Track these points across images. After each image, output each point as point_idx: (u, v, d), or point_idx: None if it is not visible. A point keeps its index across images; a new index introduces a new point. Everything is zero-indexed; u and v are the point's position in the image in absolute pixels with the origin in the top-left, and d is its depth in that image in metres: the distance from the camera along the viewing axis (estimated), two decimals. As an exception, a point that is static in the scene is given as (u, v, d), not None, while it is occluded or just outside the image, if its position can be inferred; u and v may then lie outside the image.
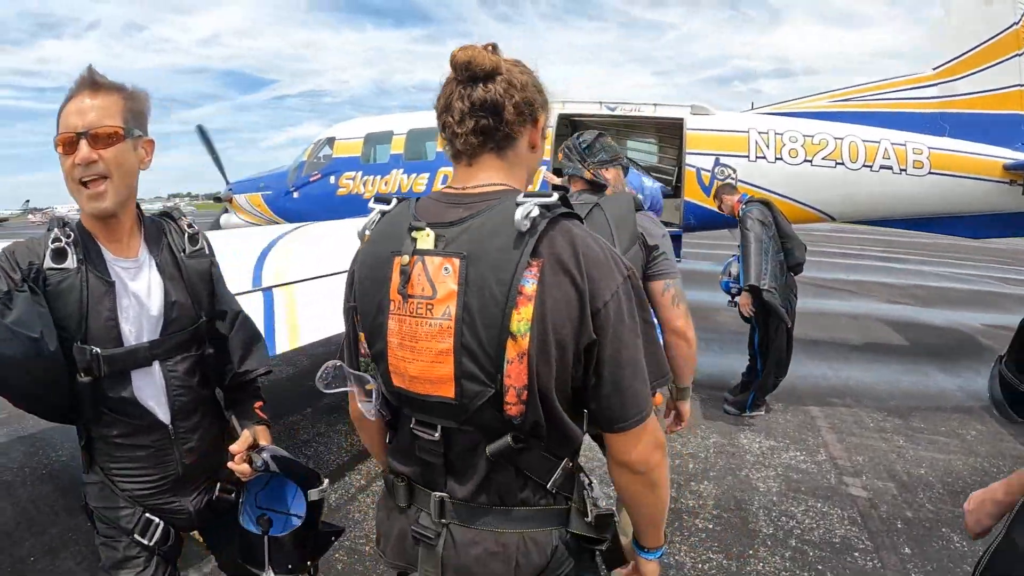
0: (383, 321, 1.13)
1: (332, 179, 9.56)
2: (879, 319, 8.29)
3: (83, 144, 1.36)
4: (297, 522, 1.61)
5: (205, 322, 1.62)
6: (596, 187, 2.32)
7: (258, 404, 1.71)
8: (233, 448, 1.55)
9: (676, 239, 6.67)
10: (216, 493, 1.65)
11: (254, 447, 1.57)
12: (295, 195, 10.37)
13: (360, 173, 9.19)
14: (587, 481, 1.20)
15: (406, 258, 1.10)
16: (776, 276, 4.34)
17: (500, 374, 1.04)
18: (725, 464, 3.93)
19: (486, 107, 1.10)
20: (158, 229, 1.59)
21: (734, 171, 5.97)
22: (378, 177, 8.83)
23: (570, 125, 7.62)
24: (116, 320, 1.46)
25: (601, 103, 6.80)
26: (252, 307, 3.35)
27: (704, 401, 5.04)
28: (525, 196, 1.07)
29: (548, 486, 1.13)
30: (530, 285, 1.02)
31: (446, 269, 1.06)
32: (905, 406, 4.99)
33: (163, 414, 1.54)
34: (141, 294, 1.50)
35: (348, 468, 3.98)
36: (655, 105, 6.63)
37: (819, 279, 11.38)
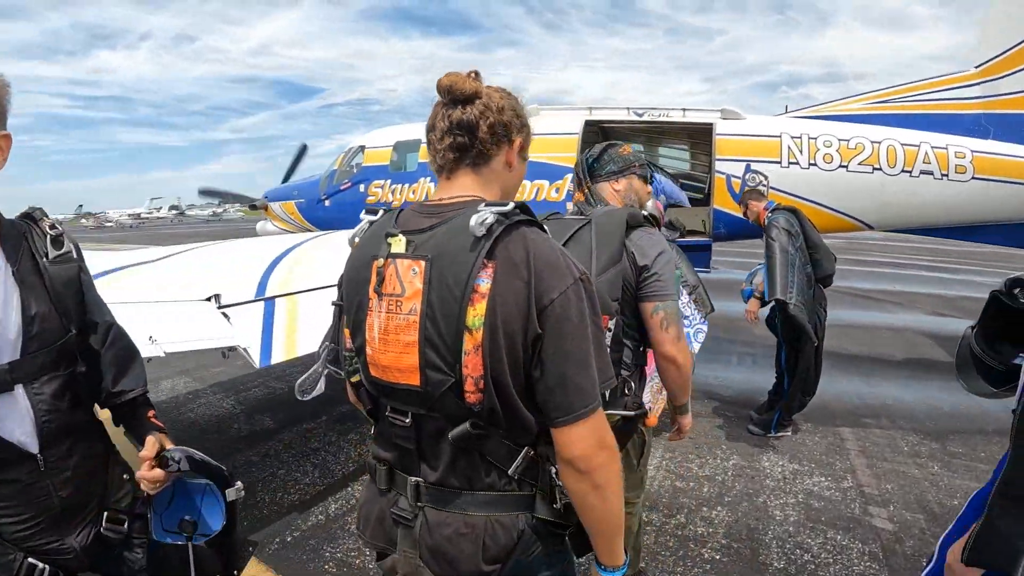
0: (363, 318, 1.27)
1: (362, 187, 9.63)
2: (923, 333, 7.82)
3: None
4: (218, 525, 1.55)
5: (75, 336, 1.45)
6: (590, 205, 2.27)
7: (151, 413, 1.59)
8: (142, 455, 1.45)
9: (705, 249, 6.45)
10: (103, 524, 1.51)
11: (163, 450, 1.48)
12: (326, 203, 10.50)
13: (388, 182, 9.23)
14: (555, 470, 1.24)
15: (381, 260, 1.24)
16: (803, 290, 4.11)
17: (459, 364, 1.14)
18: (742, 489, 3.73)
19: (462, 126, 1.24)
20: (18, 233, 1.41)
21: (765, 178, 5.72)
22: (406, 185, 8.83)
23: (600, 132, 7.49)
24: None
25: (629, 109, 6.65)
26: (251, 317, 3.37)
27: (729, 420, 4.82)
28: (486, 205, 1.17)
29: (510, 472, 1.21)
30: (484, 284, 1.13)
31: (414, 270, 1.19)
32: (944, 428, 4.66)
33: (31, 444, 1.37)
34: None
35: (352, 478, 3.95)
36: (684, 110, 6.44)
37: (862, 289, 10.89)
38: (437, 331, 1.16)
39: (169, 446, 1.51)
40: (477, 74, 1.28)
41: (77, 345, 1.45)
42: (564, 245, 1.91)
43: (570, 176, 6.70)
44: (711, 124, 6.17)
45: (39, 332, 1.37)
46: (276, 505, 3.65)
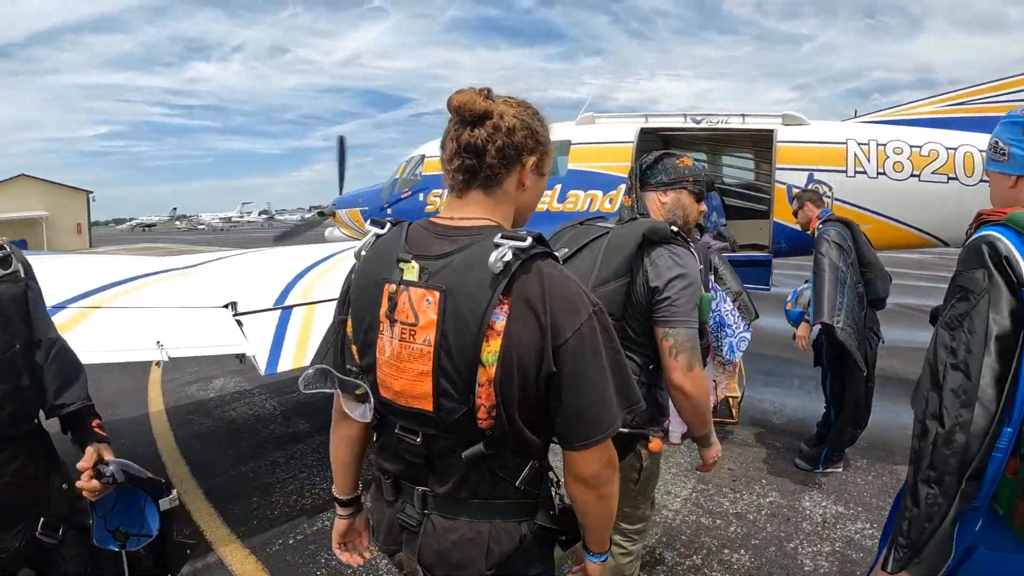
0: (373, 339, 1.28)
1: (421, 196, 9.78)
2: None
3: None
4: (152, 533, 1.64)
5: (20, 351, 1.55)
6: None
7: (96, 422, 1.70)
8: (80, 465, 1.56)
9: (765, 265, 6.06)
10: (39, 530, 1.61)
11: (100, 462, 1.59)
12: (388, 211, 10.75)
13: (446, 191, 9.33)
14: (554, 479, 1.35)
15: (393, 287, 1.25)
16: (853, 312, 3.72)
17: (472, 395, 1.19)
18: (774, 531, 3.42)
19: (470, 149, 1.24)
20: None
21: (830, 188, 5.31)
22: (463, 195, 8.91)
23: (660, 141, 7.25)
24: None
25: (686, 115, 6.40)
26: (264, 325, 3.44)
27: (776, 451, 4.48)
28: (503, 237, 1.19)
29: (517, 484, 1.27)
30: (500, 321, 1.16)
31: (428, 300, 1.21)
32: None
33: None
34: None
35: (367, 488, 3.96)
36: (743, 116, 6.11)
37: (916, 306, 9.97)
38: (452, 363, 1.18)
39: (108, 457, 1.62)
40: (489, 92, 1.27)
41: (22, 358, 1.55)
42: (575, 254, 2.01)
43: (623, 186, 6.51)
44: (771, 131, 5.80)
45: None
46: (288, 508, 3.74)
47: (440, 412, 1.22)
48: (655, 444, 2.15)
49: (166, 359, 2.89)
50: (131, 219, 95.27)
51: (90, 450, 1.60)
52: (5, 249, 1.57)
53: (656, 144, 7.51)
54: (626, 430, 1.93)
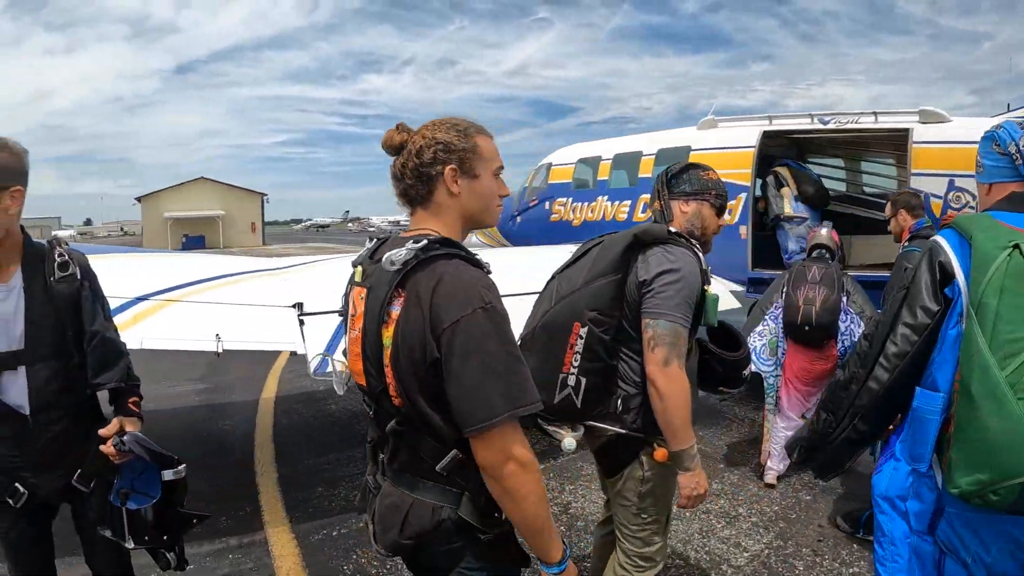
0: (346, 328, 1.60)
1: (547, 205, 9.87)
2: None
3: None
4: (149, 499, 1.93)
5: (71, 337, 1.93)
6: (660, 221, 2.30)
7: (132, 400, 2.04)
8: (101, 432, 1.90)
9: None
10: (75, 478, 1.97)
11: (121, 433, 1.90)
12: (518, 220, 10.98)
13: (570, 200, 9.31)
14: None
15: (349, 286, 1.59)
16: None
17: (383, 375, 1.42)
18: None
19: (395, 177, 1.52)
20: (40, 257, 1.94)
21: (973, 198, 4.53)
22: (585, 204, 8.81)
23: (791, 145, 6.69)
24: None
25: (812, 116, 5.81)
26: (325, 326, 3.71)
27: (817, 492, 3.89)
28: (414, 241, 1.40)
29: (438, 468, 1.42)
30: (396, 311, 1.39)
31: (361, 296, 1.49)
32: None
33: (25, 408, 1.90)
34: (8, 314, 1.87)
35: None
36: (875, 114, 5.40)
37: None
38: (370, 346, 1.44)
39: (129, 429, 1.93)
40: (404, 125, 1.54)
41: (72, 344, 1.93)
42: (576, 262, 2.20)
43: (744, 195, 6.09)
44: (907, 130, 5.06)
45: (38, 331, 1.89)
46: (345, 502, 4.01)
47: (369, 388, 1.48)
48: (660, 453, 2.09)
49: (220, 351, 3.28)
50: (307, 220, 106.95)
51: (115, 421, 1.93)
52: (65, 256, 1.95)
53: (785, 149, 6.91)
54: (619, 431, 2.07)
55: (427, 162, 1.46)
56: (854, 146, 6.78)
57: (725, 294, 5.63)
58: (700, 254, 2.11)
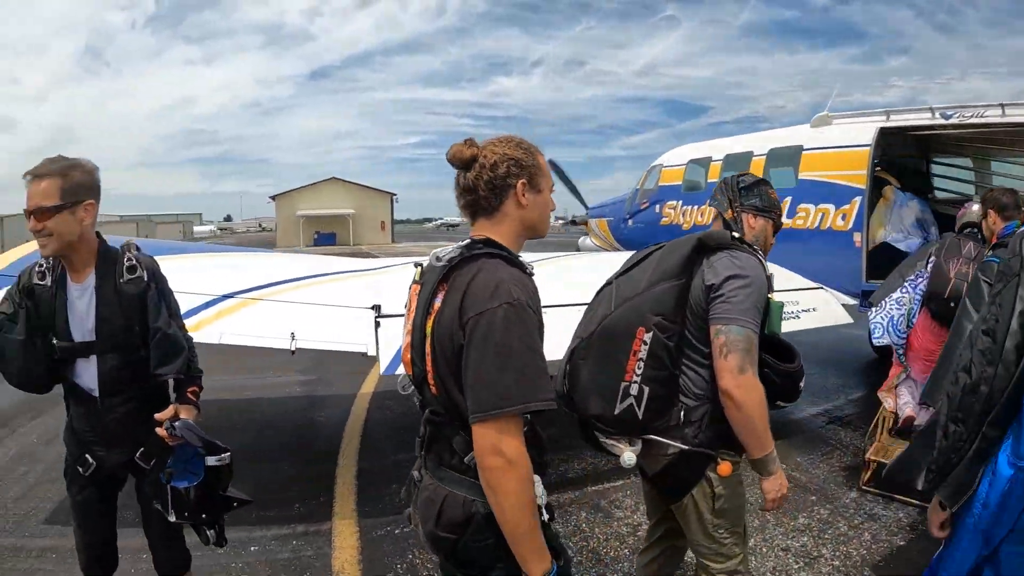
0: (405, 324, 1.73)
1: (657, 208, 9.67)
2: None
3: (32, 219, 2.08)
4: (194, 480, 2.17)
5: (138, 332, 2.21)
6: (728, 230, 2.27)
7: (191, 389, 2.29)
8: (157, 416, 2.15)
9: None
10: (137, 455, 2.26)
11: (174, 419, 2.14)
12: (629, 223, 10.82)
13: (680, 203, 9.06)
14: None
15: (411, 285, 1.74)
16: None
17: (424, 362, 1.56)
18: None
19: (467, 190, 1.63)
20: (112, 260, 2.23)
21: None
22: (695, 207, 8.54)
23: (911, 143, 6.07)
24: (67, 323, 2.18)
25: (933, 110, 5.22)
26: (399, 328, 3.89)
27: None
28: (460, 243, 1.59)
29: (466, 460, 1.51)
30: (438, 302, 1.54)
31: (416, 292, 1.66)
32: None
33: (95, 391, 2.21)
34: (83, 310, 2.19)
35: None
36: (1002, 106, 4.74)
37: None
38: (416, 335, 1.60)
39: (183, 416, 2.17)
40: (472, 141, 1.65)
41: (139, 338, 2.22)
42: (637, 265, 2.18)
43: (859, 199, 5.61)
44: None
45: (107, 326, 2.18)
46: (413, 501, 4.14)
47: (414, 376, 1.64)
48: (724, 467, 2.06)
49: (293, 349, 3.52)
50: (437, 219, 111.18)
51: (171, 408, 2.17)
52: (133, 260, 2.24)
53: (903, 147, 6.27)
54: (682, 447, 2.02)
55: (501, 175, 1.59)
56: (982, 143, 6.01)
57: (836, 308, 5.22)
58: (764, 261, 2.12)
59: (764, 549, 3.47)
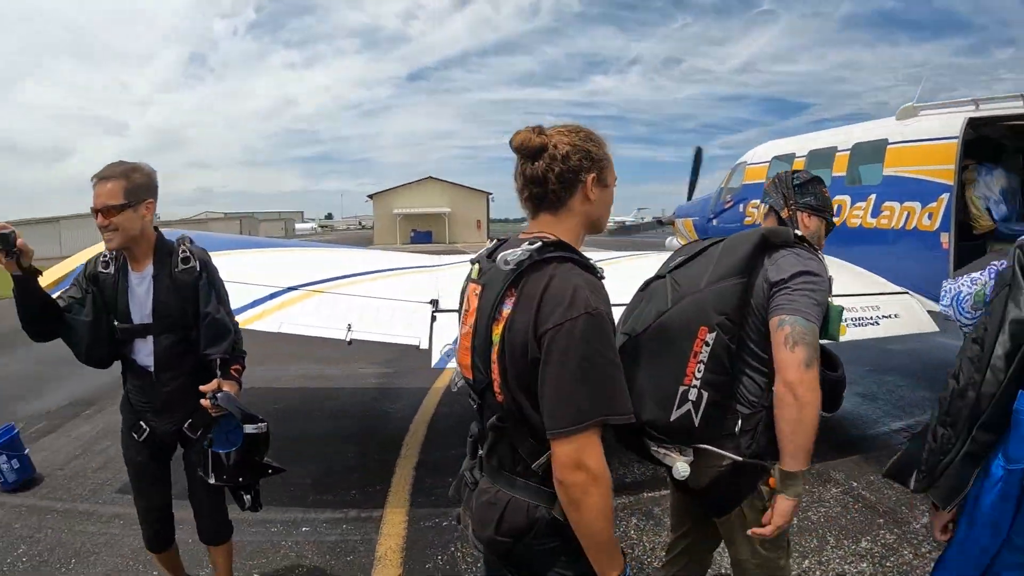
0: (461, 324, 1.68)
1: (741, 207, 9.31)
2: None
3: (99, 216, 2.34)
4: (230, 446, 2.42)
5: (190, 315, 2.47)
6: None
7: (235, 367, 2.54)
8: (201, 388, 2.37)
9: None
10: (185, 425, 2.56)
11: (218, 390, 2.37)
12: (714, 222, 10.48)
13: (762, 201, 8.64)
14: None
15: (466, 282, 1.69)
16: None
17: (489, 370, 1.49)
18: None
19: (535, 181, 1.54)
20: (168, 252, 2.50)
21: None
22: (779, 205, 8.13)
23: (1006, 133, 5.49)
24: (128, 307, 2.46)
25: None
26: (454, 323, 3.97)
27: None
28: (529, 243, 1.47)
29: (533, 467, 1.47)
30: (507, 309, 1.45)
31: (476, 292, 1.58)
32: None
33: (151, 366, 2.50)
34: (142, 295, 2.47)
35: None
36: None
37: None
38: (480, 341, 1.52)
39: (225, 388, 2.40)
40: (541, 128, 1.56)
41: (192, 319, 2.49)
42: (691, 260, 2.04)
43: (946, 196, 5.15)
44: None
45: (163, 309, 2.47)
46: (464, 495, 4.22)
47: (475, 382, 1.56)
48: (775, 480, 1.90)
49: (348, 341, 3.69)
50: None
51: (215, 381, 2.40)
52: (187, 252, 2.51)
53: (999, 139, 5.67)
54: (736, 458, 1.89)
55: (573, 168, 1.52)
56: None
57: (920, 314, 4.84)
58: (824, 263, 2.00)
59: (818, 572, 3.28)
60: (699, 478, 1.92)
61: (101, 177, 2.34)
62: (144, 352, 2.50)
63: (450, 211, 50.51)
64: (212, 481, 2.45)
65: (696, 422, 1.85)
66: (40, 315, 2.36)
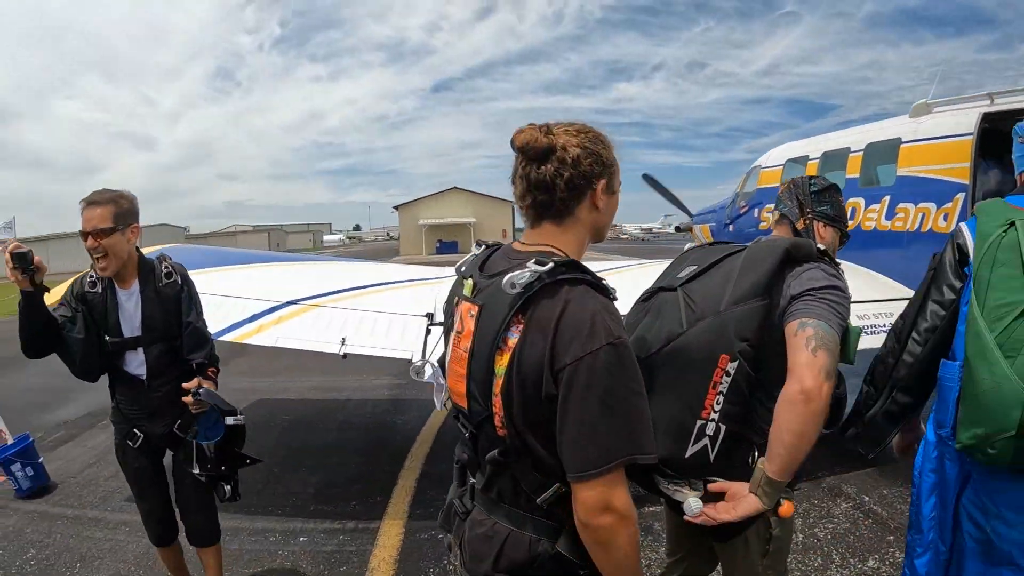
0: (449, 342, 1.52)
1: (756, 212, 9.15)
2: None
3: (89, 238, 2.46)
4: (214, 437, 2.64)
5: (174, 324, 2.66)
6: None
7: (211, 370, 2.72)
8: (184, 385, 2.56)
9: None
10: (175, 427, 2.70)
11: (199, 387, 2.56)
12: (730, 228, 10.32)
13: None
14: None
15: (455, 300, 1.51)
16: None
17: (490, 402, 1.33)
18: None
19: (541, 187, 1.38)
20: (151, 269, 2.67)
21: None
22: (793, 210, 7.96)
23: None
24: (118, 322, 2.60)
25: (1042, 89, 4.51)
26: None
27: None
28: (536, 262, 1.30)
29: (538, 501, 1.34)
30: (513, 338, 1.29)
31: (471, 313, 1.40)
32: None
33: (143, 375, 2.64)
34: (131, 310, 2.63)
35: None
36: None
37: None
38: (479, 370, 1.35)
39: (205, 386, 2.59)
40: (548, 127, 1.39)
41: (175, 328, 2.67)
42: (705, 271, 1.86)
43: (961, 196, 4.97)
44: None
45: (151, 321, 2.64)
46: (464, 507, 4.18)
47: (471, 413, 1.39)
48: (787, 507, 1.73)
49: (343, 355, 3.68)
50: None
51: (196, 379, 2.60)
52: (169, 268, 2.69)
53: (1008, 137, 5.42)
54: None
55: (584, 173, 1.37)
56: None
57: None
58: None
59: (821, 584, 3.16)
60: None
61: (90, 202, 2.48)
62: (135, 363, 2.64)
63: (475, 221, 50.80)
64: (197, 471, 2.63)
65: (712, 457, 1.71)
66: (43, 331, 2.47)
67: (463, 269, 1.51)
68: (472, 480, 1.49)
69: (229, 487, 2.73)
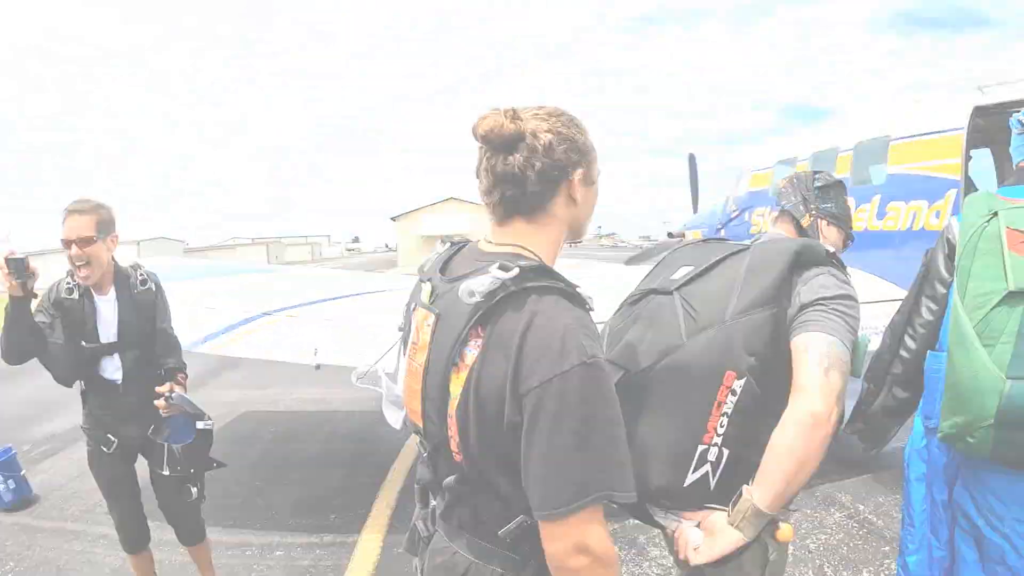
0: (404, 352, 1.37)
1: (746, 216, 9.06)
2: None
3: (73, 246, 2.50)
4: (184, 440, 2.70)
5: (149, 331, 2.74)
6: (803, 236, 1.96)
7: (181, 375, 2.81)
8: (157, 389, 2.63)
9: None
10: (150, 430, 2.74)
11: (171, 392, 2.63)
12: (722, 233, 10.21)
13: (769, 209, 8.37)
14: None
15: (413, 305, 1.35)
16: None
17: (445, 424, 1.17)
18: None
19: (509, 179, 1.20)
20: (126, 276, 2.74)
21: None
22: (783, 213, 7.86)
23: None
24: (95, 327, 2.64)
25: (1035, 79, 4.39)
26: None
27: None
28: (499, 267, 1.13)
29: (500, 533, 1.19)
30: (471, 354, 1.12)
31: (427, 323, 1.24)
32: None
33: (118, 379, 2.68)
34: (108, 315, 2.67)
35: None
36: None
37: None
38: (434, 387, 1.20)
39: (176, 390, 2.67)
40: (515, 112, 1.22)
41: (150, 335, 2.74)
42: (705, 273, 1.66)
43: (953, 192, 4.87)
44: None
45: (127, 327, 2.69)
46: (447, 520, 4.07)
47: (427, 433, 1.25)
48: (786, 532, 1.57)
49: (315, 365, 3.56)
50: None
51: (168, 384, 2.67)
52: (144, 275, 2.77)
53: (1005, 132, 5.30)
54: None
55: (558, 162, 1.20)
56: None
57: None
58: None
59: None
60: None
61: (73, 211, 2.52)
62: (111, 368, 2.69)
63: (471, 231, 51.02)
64: (167, 472, 2.68)
65: (711, 486, 1.52)
66: (28, 336, 2.51)
67: (425, 269, 1.35)
68: (433, 503, 1.34)
69: (195, 489, 2.78)
